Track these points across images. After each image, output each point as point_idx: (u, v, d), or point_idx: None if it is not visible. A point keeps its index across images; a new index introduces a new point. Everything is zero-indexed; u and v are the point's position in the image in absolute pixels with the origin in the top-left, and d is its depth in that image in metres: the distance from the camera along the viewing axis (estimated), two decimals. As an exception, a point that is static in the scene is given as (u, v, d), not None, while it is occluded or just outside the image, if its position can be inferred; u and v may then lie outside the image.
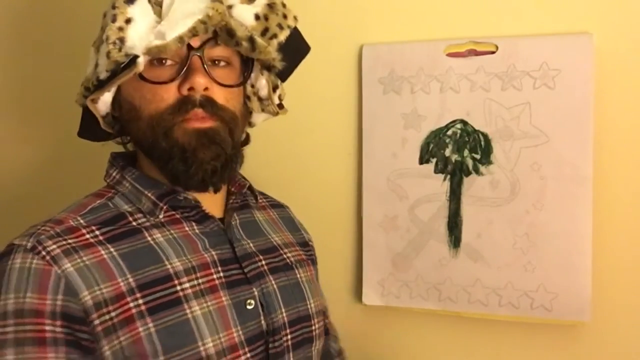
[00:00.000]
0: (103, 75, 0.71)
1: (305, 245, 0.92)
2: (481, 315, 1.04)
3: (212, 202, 0.78)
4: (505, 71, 1.00)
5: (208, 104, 0.71)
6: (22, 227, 0.77)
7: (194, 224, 0.76)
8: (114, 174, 0.78)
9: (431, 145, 1.05)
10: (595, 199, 0.97)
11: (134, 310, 0.67)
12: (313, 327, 0.81)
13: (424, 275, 1.08)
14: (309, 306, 0.82)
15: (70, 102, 0.80)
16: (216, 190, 0.74)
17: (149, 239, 0.72)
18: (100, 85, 0.73)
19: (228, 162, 0.73)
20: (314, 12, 1.10)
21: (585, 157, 0.96)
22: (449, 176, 1.05)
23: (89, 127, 0.80)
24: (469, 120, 1.03)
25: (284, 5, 0.77)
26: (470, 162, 1.03)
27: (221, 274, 0.73)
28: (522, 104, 0.99)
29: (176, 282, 0.70)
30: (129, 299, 0.68)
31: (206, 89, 0.70)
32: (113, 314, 0.66)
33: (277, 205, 0.93)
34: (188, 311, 0.69)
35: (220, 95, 0.72)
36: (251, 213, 0.85)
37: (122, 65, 0.69)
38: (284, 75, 0.79)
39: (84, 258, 0.68)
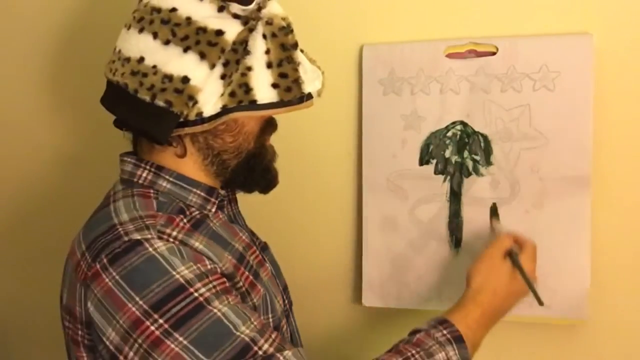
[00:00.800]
0: (267, 99, 0.76)
1: None
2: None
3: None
4: (505, 73, 1.00)
5: None
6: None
7: (223, 213, 0.86)
8: (144, 175, 0.80)
9: (431, 147, 1.05)
10: (594, 200, 0.98)
11: (250, 277, 0.79)
12: (290, 294, 0.95)
13: (424, 276, 1.08)
14: (284, 277, 0.95)
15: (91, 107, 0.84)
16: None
17: (212, 225, 0.80)
18: (255, 107, 0.76)
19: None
20: (314, 11, 1.09)
21: (585, 158, 0.97)
22: (449, 177, 1.05)
23: (164, 129, 0.77)
24: (469, 122, 1.03)
25: None
26: (470, 163, 1.04)
27: (257, 251, 0.86)
28: (521, 106, 1.00)
29: (247, 258, 0.82)
30: (242, 269, 0.79)
31: None
32: (242, 280, 0.77)
33: None
34: (263, 280, 0.83)
35: None
36: (237, 204, 0.94)
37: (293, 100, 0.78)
38: None
39: (199, 238, 0.76)
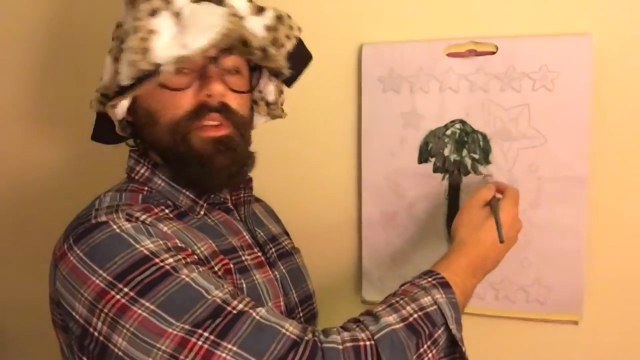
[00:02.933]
0: (126, 82, 0.74)
1: (288, 234, 1.01)
2: (477, 309, 1.07)
3: (228, 197, 0.87)
4: (504, 72, 1.00)
5: (224, 109, 0.76)
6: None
7: (224, 214, 0.84)
8: (142, 171, 0.82)
9: (430, 145, 1.06)
10: (590, 199, 0.99)
11: (230, 266, 0.75)
12: (314, 305, 0.92)
13: (423, 270, 1.10)
14: (309, 287, 0.93)
15: (87, 106, 0.85)
16: (221, 190, 0.83)
17: (203, 220, 0.80)
18: (122, 92, 0.76)
19: (243, 165, 0.80)
20: (314, 10, 1.09)
21: (582, 158, 0.98)
22: (447, 175, 1.06)
23: (103, 131, 0.85)
24: (468, 121, 1.03)
25: (289, 17, 0.83)
26: (469, 162, 1.04)
27: (259, 254, 0.83)
28: (520, 106, 1.00)
29: (240, 253, 0.79)
30: (221, 256, 0.75)
31: (222, 95, 0.76)
32: (219, 265, 0.74)
33: (258, 199, 1.01)
34: (254, 278, 0.79)
35: (233, 102, 0.78)
36: (250, 206, 0.92)
37: (147, 73, 0.72)
38: (290, 81, 0.88)
39: (172, 225, 0.74)
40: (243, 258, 0.79)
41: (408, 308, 0.71)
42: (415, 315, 0.70)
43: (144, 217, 0.72)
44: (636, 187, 0.98)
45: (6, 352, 1.38)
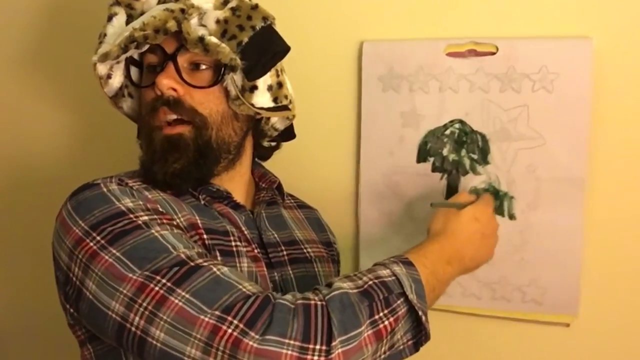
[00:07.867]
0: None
1: (329, 245, 0.99)
2: (474, 309, 1.07)
3: (241, 195, 0.87)
4: (504, 73, 1.00)
5: (174, 103, 0.78)
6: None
7: (229, 208, 0.84)
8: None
9: (429, 144, 1.06)
10: (588, 201, 0.99)
11: (207, 242, 0.76)
12: None
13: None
14: None
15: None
16: (181, 189, 0.81)
17: (206, 206, 0.81)
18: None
19: (192, 163, 0.79)
20: (314, 7, 1.09)
21: (580, 160, 0.98)
22: (445, 175, 1.06)
23: None
24: (467, 121, 1.03)
25: (253, 8, 0.80)
26: (467, 162, 1.05)
27: (256, 251, 0.82)
28: (520, 106, 1.00)
29: (231, 238, 0.80)
30: (201, 230, 0.77)
31: (175, 90, 0.77)
32: (195, 237, 0.76)
33: (304, 207, 1.00)
34: (239, 265, 0.78)
35: (193, 98, 0.78)
36: (278, 209, 0.93)
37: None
38: (252, 74, 0.80)
39: (159, 193, 0.78)
40: (233, 243, 0.80)
41: (364, 278, 0.71)
42: (371, 282, 0.70)
43: (133, 184, 0.77)
44: (633, 189, 0.99)
45: (6, 352, 1.38)
